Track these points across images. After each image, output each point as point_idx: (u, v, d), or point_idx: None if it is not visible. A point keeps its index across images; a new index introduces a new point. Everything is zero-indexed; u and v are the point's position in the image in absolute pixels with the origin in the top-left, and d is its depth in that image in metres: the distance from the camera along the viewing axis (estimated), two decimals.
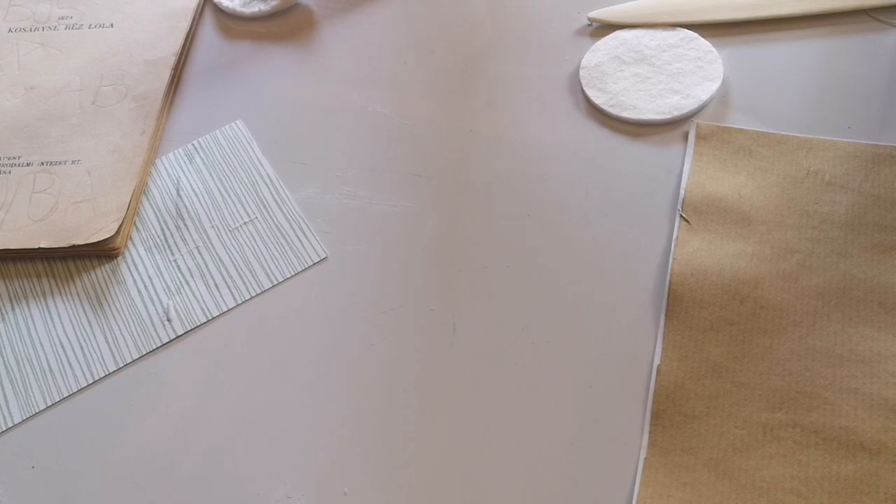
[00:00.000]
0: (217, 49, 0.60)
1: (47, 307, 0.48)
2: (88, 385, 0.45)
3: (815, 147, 0.48)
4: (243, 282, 0.48)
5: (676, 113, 0.51)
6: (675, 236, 0.46)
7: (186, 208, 0.51)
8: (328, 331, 0.46)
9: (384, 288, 0.47)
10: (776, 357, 0.41)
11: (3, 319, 0.48)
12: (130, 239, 0.51)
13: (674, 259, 0.45)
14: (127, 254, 0.50)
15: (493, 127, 0.53)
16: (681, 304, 0.43)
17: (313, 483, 0.41)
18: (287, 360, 0.45)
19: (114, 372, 0.46)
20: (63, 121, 0.55)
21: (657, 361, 0.42)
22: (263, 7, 0.60)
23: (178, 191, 0.52)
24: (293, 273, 0.48)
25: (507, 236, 0.48)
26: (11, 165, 0.54)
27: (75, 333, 0.47)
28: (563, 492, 0.39)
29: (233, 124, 0.55)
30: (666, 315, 0.43)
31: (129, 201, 0.51)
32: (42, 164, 0.53)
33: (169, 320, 0.47)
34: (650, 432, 0.40)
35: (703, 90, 0.51)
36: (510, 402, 0.42)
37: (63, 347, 0.47)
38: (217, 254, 0.49)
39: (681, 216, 0.47)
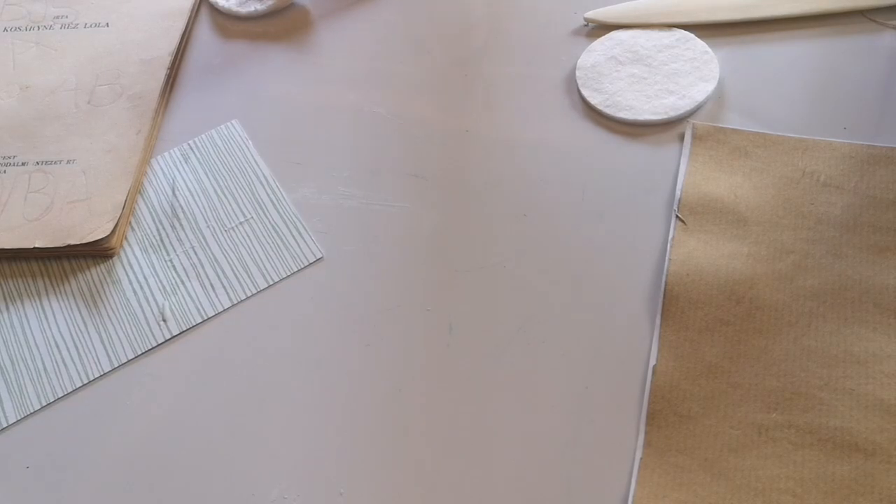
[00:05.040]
0: (213, 49, 0.60)
1: (42, 307, 0.48)
2: (83, 385, 0.45)
3: (810, 148, 0.48)
4: (239, 282, 0.48)
5: (672, 113, 0.51)
6: (670, 236, 0.46)
7: (182, 208, 0.51)
8: (324, 331, 0.46)
9: (380, 288, 0.47)
10: (771, 357, 0.42)
11: None
12: (126, 239, 0.50)
13: (669, 259, 0.45)
14: (122, 254, 0.50)
15: (490, 127, 0.53)
16: (676, 304, 0.44)
17: (309, 483, 0.41)
18: (283, 360, 0.45)
19: (109, 372, 0.46)
20: (58, 120, 0.55)
21: (653, 362, 0.42)
22: (259, 7, 0.60)
23: (173, 190, 0.52)
24: (289, 273, 0.48)
25: (503, 236, 0.48)
26: (7, 165, 0.53)
27: (70, 333, 0.47)
28: (558, 492, 0.39)
29: (228, 124, 0.55)
30: (661, 315, 0.43)
31: (124, 201, 0.51)
32: (37, 163, 0.53)
33: (164, 320, 0.47)
34: (646, 433, 0.40)
35: (699, 91, 0.51)
36: (506, 403, 0.42)
37: (58, 347, 0.47)
38: (213, 254, 0.49)
39: (677, 216, 0.47)
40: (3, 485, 0.43)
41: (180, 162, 0.54)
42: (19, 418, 0.45)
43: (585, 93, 0.53)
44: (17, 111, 0.56)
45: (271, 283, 0.48)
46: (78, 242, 0.49)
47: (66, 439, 0.44)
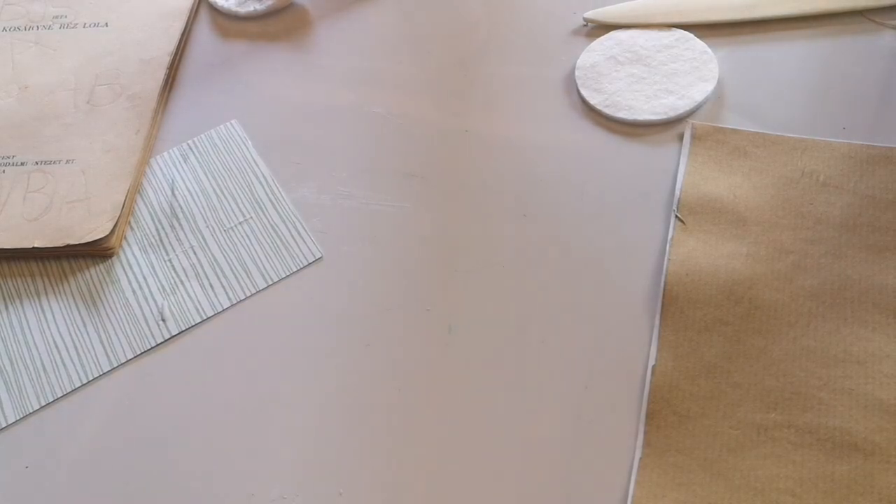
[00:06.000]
0: (212, 49, 0.60)
1: (41, 307, 0.48)
2: (83, 385, 0.45)
3: (809, 148, 0.48)
4: (238, 282, 0.48)
5: (672, 113, 0.51)
6: (670, 236, 0.46)
7: (181, 208, 0.51)
8: (323, 331, 0.46)
9: (379, 288, 0.47)
10: (771, 357, 0.42)
11: None
12: (125, 238, 0.50)
13: (669, 259, 0.45)
14: (121, 253, 0.50)
15: (489, 127, 0.53)
16: (676, 304, 0.44)
17: (309, 483, 0.41)
18: (282, 360, 0.45)
19: (108, 372, 0.46)
20: (57, 120, 0.55)
21: (652, 362, 0.42)
22: (258, 6, 0.60)
23: (172, 190, 0.52)
24: (288, 273, 0.48)
25: (502, 237, 0.48)
26: (5, 165, 0.53)
27: (69, 333, 0.47)
28: (557, 492, 0.39)
29: (228, 124, 0.55)
30: (661, 315, 0.43)
31: (123, 201, 0.51)
32: (36, 163, 0.53)
33: (163, 320, 0.47)
34: (645, 432, 0.40)
35: (699, 91, 0.51)
36: (505, 403, 0.42)
37: (57, 347, 0.47)
38: (212, 253, 0.49)
39: (676, 216, 0.47)
40: (2, 485, 0.43)
41: (179, 162, 0.54)
42: (19, 418, 0.45)
43: (585, 93, 0.53)
44: (17, 111, 0.56)
45: (270, 283, 0.48)
46: (77, 242, 0.49)
47: (65, 439, 0.44)
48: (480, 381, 0.43)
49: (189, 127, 0.55)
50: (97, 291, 0.49)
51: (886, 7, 0.54)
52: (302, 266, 0.48)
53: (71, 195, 0.51)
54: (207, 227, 0.50)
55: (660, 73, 0.53)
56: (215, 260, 0.49)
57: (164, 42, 0.59)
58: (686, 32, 0.54)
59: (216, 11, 0.62)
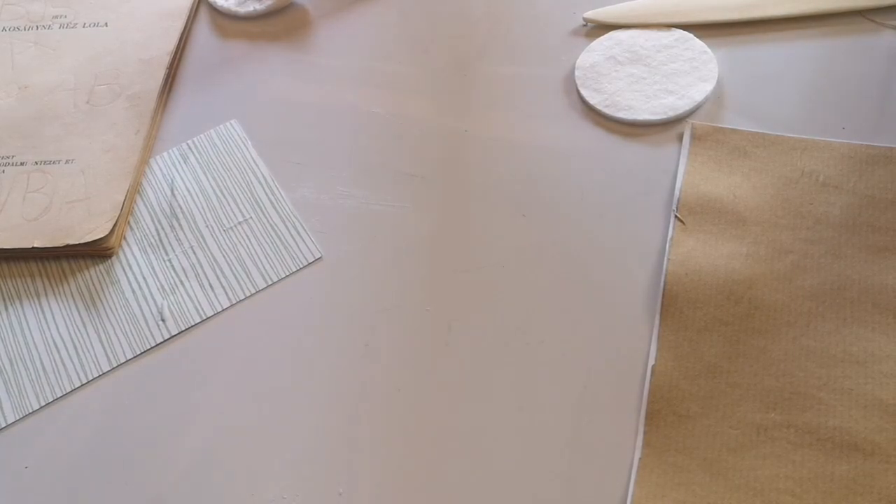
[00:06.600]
0: (212, 49, 0.60)
1: (41, 307, 0.48)
2: (82, 385, 0.45)
3: (809, 147, 0.48)
4: (238, 282, 0.48)
5: (671, 113, 0.51)
6: (669, 236, 0.46)
7: (181, 208, 0.51)
8: (323, 331, 0.46)
9: (379, 288, 0.47)
10: (770, 357, 0.42)
11: None
12: (125, 238, 0.50)
13: (668, 259, 0.45)
14: (121, 253, 0.50)
15: (489, 127, 0.53)
16: (675, 304, 0.44)
17: (309, 483, 0.41)
18: (281, 359, 0.45)
19: (108, 372, 0.46)
20: (57, 120, 0.55)
21: (652, 361, 0.42)
22: (258, 6, 0.60)
23: (172, 190, 0.52)
24: (288, 273, 0.48)
25: (502, 236, 0.48)
26: (5, 165, 0.53)
27: (69, 333, 0.47)
28: (557, 492, 0.39)
29: (227, 124, 0.55)
30: (661, 315, 0.43)
31: (123, 201, 0.51)
32: (36, 163, 0.53)
33: (163, 320, 0.47)
34: (644, 432, 0.40)
35: (698, 91, 0.51)
36: (505, 403, 0.42)
37: (57, 347, 0.47)
38: (211, 253, 0.49)
39: (675, 216, 0.47)
40: (2, 485, 0.43)
41: (179, 162, 0.54)
42: (18, 418, 0.45)
43: (584, 93, 0.53)
44: (16, 111, 0.56)
45: (270, 283, 0.48)
46: (77, 242, 0.49)
47: (65, 439, 0.44)
48: (480, 381, 0.43)
49: (189, 127, 0.55)
50: (97, 291, 0.49)
51: (886, 7, 0.54)
52: (301, 266, 0.48)
53: (71, 195, 0.51)
54: (207, 226, 0.50)
55: (659, 73, 0.53)
56: (215, 260, 0.49)
57: (164, 42, 0.59)
58: (686, 32, 0.54)
59: (216, 11, 0.62)
